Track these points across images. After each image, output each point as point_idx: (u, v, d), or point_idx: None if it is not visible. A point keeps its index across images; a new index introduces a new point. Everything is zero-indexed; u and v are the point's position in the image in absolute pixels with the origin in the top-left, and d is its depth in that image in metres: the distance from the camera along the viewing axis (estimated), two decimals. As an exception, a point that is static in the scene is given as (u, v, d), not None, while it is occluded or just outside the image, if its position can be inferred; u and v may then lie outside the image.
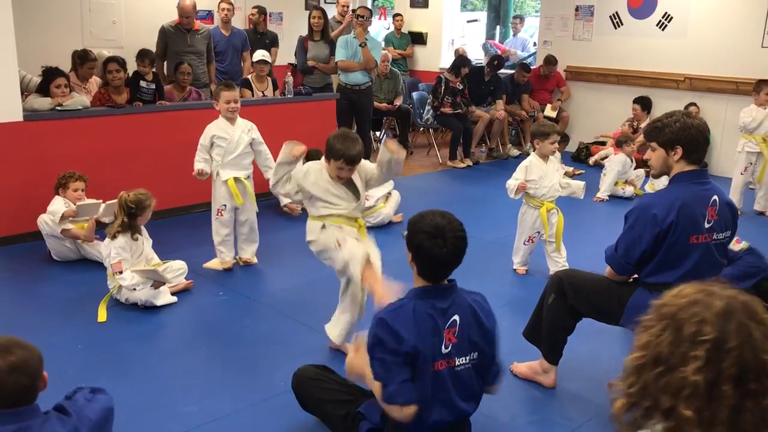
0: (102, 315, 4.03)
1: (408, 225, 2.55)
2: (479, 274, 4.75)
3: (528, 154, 8.40)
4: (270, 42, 8.07)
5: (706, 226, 2.85)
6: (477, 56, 11.20)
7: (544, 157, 4.73)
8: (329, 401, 2.72)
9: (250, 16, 8.33)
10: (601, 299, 3.10)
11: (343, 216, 3.44)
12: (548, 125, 4.80)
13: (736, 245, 4.83)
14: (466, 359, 2.51)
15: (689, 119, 2.90)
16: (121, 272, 4.10)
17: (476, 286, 4.44)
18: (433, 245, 2.42)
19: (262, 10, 8.22)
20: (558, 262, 4.73)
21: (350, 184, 3.47)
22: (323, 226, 3.44)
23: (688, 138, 2.87)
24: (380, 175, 3.55)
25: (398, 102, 9.15)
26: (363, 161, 3.51)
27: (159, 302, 4.14)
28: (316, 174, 3.45)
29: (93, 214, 4.78)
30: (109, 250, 4.15)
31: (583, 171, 7.90)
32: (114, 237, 4.16)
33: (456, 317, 2.48)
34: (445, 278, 2.54)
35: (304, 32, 7.82)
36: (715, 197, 2.88)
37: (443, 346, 2.45)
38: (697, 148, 2.89)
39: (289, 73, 7.16)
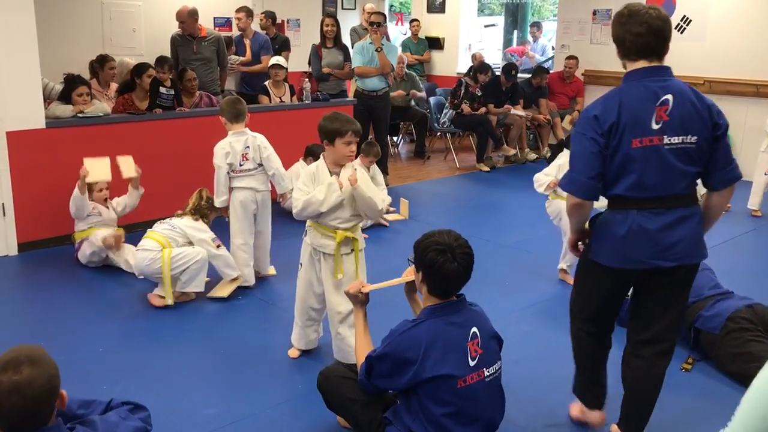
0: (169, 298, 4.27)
1: (414, 246, 2.57)
2: (498, 280, 4.75)
3: (545, 159, 8.39)
4: (280, 46, 8.10)
5: (654, 126, 2.51)
6: (495, 61, 11.19)
7: None
8: (357, 401, 2.70)
9: (259, 22, 8.37)
10: (584, 279, 2.82)
11: (320, 226, 3.39)
12: None
13: None
14: (493, 368, 2.54)
15: (625, 16, 2.59)
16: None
17: (495, 292, 4.47)
18: (444, 261, 2.44)
19: (269, 15, 8.26)
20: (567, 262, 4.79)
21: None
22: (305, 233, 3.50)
23: (615, 34, 2.65)
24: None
25: (420, 94, 9.22)
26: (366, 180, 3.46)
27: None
28: (318, 174, 3.38)
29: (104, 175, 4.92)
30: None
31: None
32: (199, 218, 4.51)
33: (475, 329, 2.50)
34: (455, 294, 2.56)
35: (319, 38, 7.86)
36: (669, 96, 2.52)
37: (469, 359, 2.46)
38: (622, 41, 2.61)
39: (306, 79, 7.22)
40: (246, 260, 4.57)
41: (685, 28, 8.27)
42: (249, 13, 7.81)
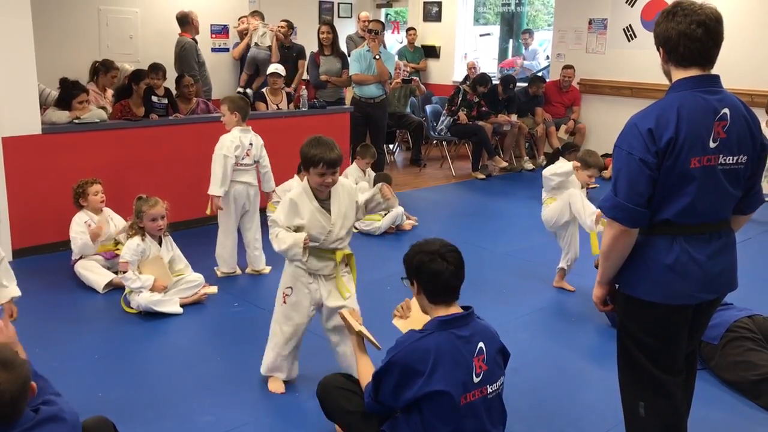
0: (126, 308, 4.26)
1: (404, 260, 2.56)
2: (495, 288, 4.74)
3: (542, 166, 8.39)
4: (297, 55, 8.19)
5: (712, 145, 2.18)
6: (490, 70, 11.23)
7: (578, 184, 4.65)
8: (355, 413, 2.68)
9: (279, 29, 8.44)
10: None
11: (316, 249, 3.16)
12: (594, 157, 4.63)
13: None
14: (496, 385, 2.50)
15: (679, 14, 2.21)
16: (125, 272, 4.24)
17: (492, 299, 4.46)
18: (433, 262, 2.44)
19: (290, 25, 8.34)
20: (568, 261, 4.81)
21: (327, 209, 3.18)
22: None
23: (665, 36, 2.24)
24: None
25: (422, 87, 9.77)
26: (356, 192, 3.31)
27: (159, 309, 4.17)
28: (301, 203, 3.14)
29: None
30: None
31: (597, 185, 7.87)
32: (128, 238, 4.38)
33: (481, 344, 2.46)
34: (456, 298, 2.52)
35: (317, 46, 7.91)
36: (726, 110, 2.21)
37: (474, 375, 2.42)
38: (674, 46, 2.22)
39: (303, 87, 7.24)
40: (231, 251, 4.90)
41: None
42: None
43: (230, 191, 4.73)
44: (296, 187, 3.26)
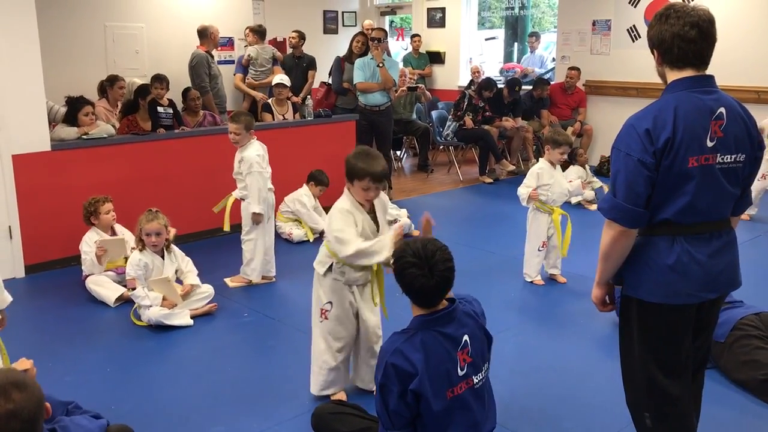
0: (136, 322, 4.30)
1: (393, 257, 2.51)
2: (503, 291, 4.75)
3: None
4: (307, 65, 8.25)
5: (709, 144, 2.20)
6: (495, 74, 11.24)
7: (553, 163, 4.80)
8: None
9: (291, 39, 8.52)
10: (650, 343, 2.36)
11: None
12: (563, 135, 4.88)
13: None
14: (482, 374, 2.50)
15: (672, 16, 2.24)
16: (134, 288, 4.27)
17: (500, 303, 4.47)
18: (420, 276, 2.35)
19: (302, 35, 8.41)
20: (557, 267, 4.90)
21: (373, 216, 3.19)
22: (330, 270, 3.22)
23: (659, 38, 2.27)
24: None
25: (427, 93, 9.84)
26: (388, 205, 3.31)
27: (170, 322, 4.20)
28: (355, 213, 3.11)
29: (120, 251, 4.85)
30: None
31: (605, 186, 7.87)
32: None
33: (466, 337, 2.44)
34: (440, 302, 2.46)
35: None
36: (722, 109, 2.23)
37: (459, 369, 2.41)
38: (668, 48, 2.25)
39: (309, 96, 7.29)
40: (263, 260, 4.93)
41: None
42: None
43: (267, 200, 4.84)
44: (341, 201, 3.17)
